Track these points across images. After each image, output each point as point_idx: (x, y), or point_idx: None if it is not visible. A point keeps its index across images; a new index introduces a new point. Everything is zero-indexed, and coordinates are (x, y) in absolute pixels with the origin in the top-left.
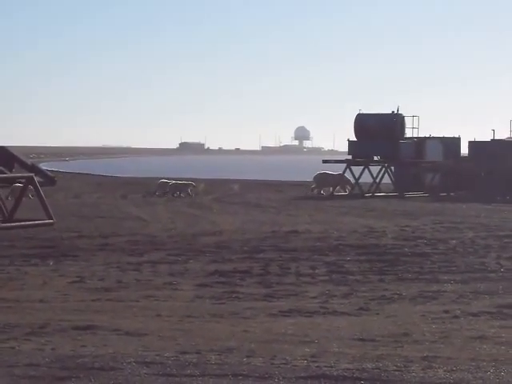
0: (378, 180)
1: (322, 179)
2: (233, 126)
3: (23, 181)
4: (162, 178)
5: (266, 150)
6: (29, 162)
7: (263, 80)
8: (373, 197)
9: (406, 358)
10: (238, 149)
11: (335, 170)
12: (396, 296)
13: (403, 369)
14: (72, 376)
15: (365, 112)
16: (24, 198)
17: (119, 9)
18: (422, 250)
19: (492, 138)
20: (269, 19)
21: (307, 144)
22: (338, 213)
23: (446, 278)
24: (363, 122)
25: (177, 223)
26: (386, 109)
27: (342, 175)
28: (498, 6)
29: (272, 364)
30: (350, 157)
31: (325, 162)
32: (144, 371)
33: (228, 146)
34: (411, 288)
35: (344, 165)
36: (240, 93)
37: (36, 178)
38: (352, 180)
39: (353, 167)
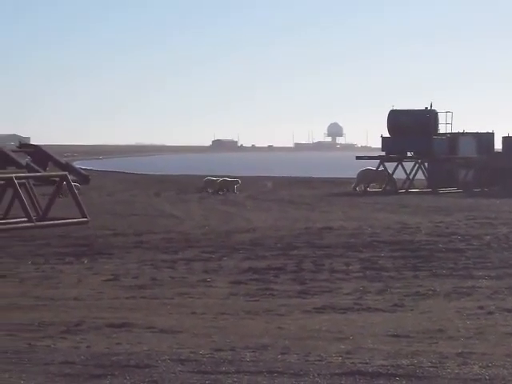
0: (411, 176)
1: (365, 175)
2: (266, 123)
3: (57, 179)
4: (207, 176)
5: (298, 147)
6: (63, 160)
7: (296, 77)
8: (406, 193)
9: (441, 355)
10: (271, 146)
11: (370, 165)
12: (430, 292)
13: (438, 365)
14: (107, 374)
15: (398, 108)
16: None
17: (154, 6)
18: (456, 245)
19: None
20: (304, 16)
21: (340, 140)
22: (372, 209)
23: (480, 273)
24: (396, 118)
25: (210, 220)
26: (419, 105)
27: (384, 171)
28: None
29: (307, 361)
30: (383, 153)
31: (358, 158)
32: (179, 368)
33: (261, 143)
34: (445, 284)
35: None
36: (273, 90)
37: (70, 177)
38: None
39: (386, 163)
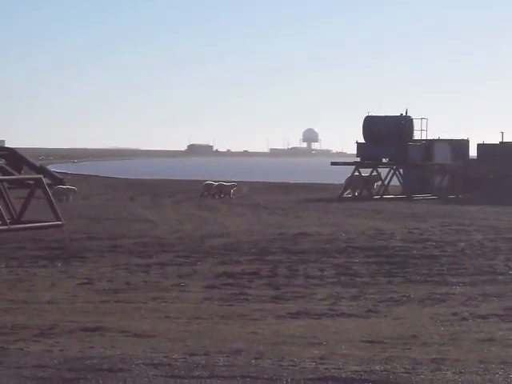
0: (386, 182)
1: (353, 181)
2: (241, 128)
3: (32, 182)
4: (207, 180)
5: (274, 152)
6: (37, 163)
7: (272, 82)
8: (381, 199)
9: (415, 360)
10: (247, 151)
11: (345, 172)
12: (404, 298)
13: (412, 371)
14: (80, 377)
15: (373, 114)
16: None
17: (130, 12)
18: (431, 252)
19: (501, 140)
20: (279, 22)
21: (316, 146)
22: (347, 215)
23: (454, 280)
24: (372, 125)
25: (185, 225)
26: (394, 111)
27: (370, 176)
28: (508, 8)
29: (280, 366)
30: (358, 159)
31: (333, 164)
32: (152, 373)
33: (236, 148)
34: (420, 290)
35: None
36: (248, 95)
37: (44, 180)
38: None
39: (361, 169)
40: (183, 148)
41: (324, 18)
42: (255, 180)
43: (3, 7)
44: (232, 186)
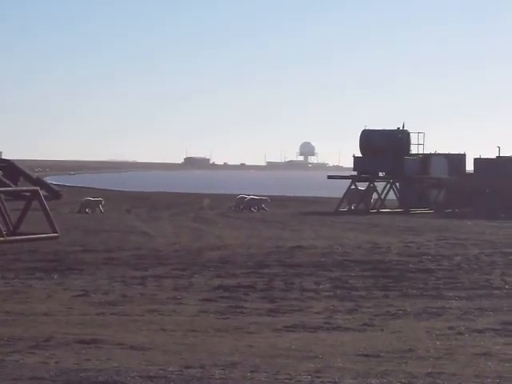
0: (383, 196)
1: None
2: (238, 141)
3: (29, 194)
4: (240, 194)
5: (271, 166)
6: (34, 175)
7: (269, 95)
8: (378, 213)
9: (411, 374)
10: (244, 164)
11: (342, 185)
12: (400, 312)
13: None
14: None
15: (370, 128)
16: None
17: (133, 27)
18: (427, 266)
19: (497, 154)
20: (276, 33)
21: (312, 160)
22: (343, 228)
23: (450, 294)
24: (369, 138)
25: (181, 238)
26: (391, 125)
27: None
28: (505, 20)
29: (276, 379)
30: (355, 173)
31: (330, 177)
32: None
33: (233, 161)
34: (416, 304)
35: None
36: (245, 108)
37: (41, 192)
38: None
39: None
40: (180, 161)
41: (321, 32)
42: (252, 193)
43: None
44: (264, 200)
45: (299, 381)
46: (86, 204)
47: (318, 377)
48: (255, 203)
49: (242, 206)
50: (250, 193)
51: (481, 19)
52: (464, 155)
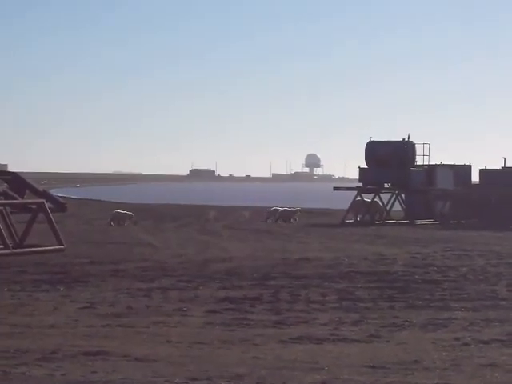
0: (388, 207)
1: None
2: (243, 153)
3: (34, 207)
4: (273, 207)
5: (276, 177)
6: (40, 188)
7: (274, 107)
8: (383, 224)
9: None
10: (249, 176)
11: (348, 197)
12: (406, 323)
13: None
14: None
15: (376, 139)
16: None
17: (136, 35)
18: (433, 277)
19: (503, 165)
20: (283, 45)
21: (318, 171)
22: (349, 240)
23: (456, 305)
24: (374, 150)
25: (187, 249)
26: (397, 136)
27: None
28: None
29: None
30: (360, 184)
31: (336, 189)
32: None
33: (238, 173)
34: (422, 315)
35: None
36: (251, 120)
37: (47, 204)
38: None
39: (364, 194)
40: (185, 173)
41: (325, 43)
42: (257, 205)
43: None
44: (296, 212)
45: None
46: (115, 217)
47: None
48: (289, 215)
49: (276, 218)
50: (274, 205)
51: (488, 31)
52: (470, 166)
